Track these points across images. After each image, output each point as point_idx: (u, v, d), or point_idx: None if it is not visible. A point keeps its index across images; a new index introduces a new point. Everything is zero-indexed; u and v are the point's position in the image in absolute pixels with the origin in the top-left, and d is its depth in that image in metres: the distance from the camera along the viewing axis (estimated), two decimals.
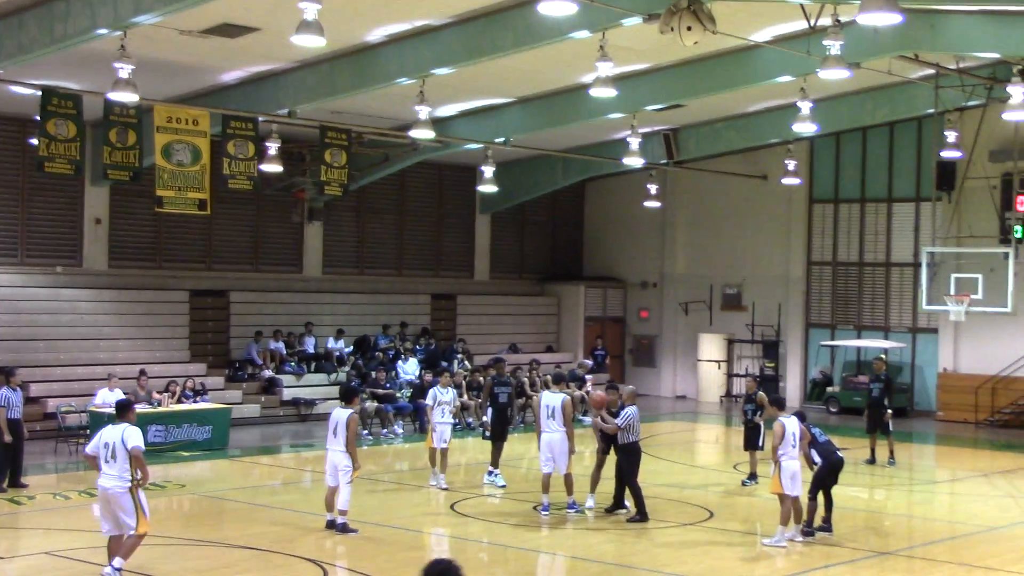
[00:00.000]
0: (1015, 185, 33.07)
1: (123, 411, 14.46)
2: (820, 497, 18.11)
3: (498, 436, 22.02)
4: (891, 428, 25.88)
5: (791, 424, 17.41)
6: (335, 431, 17.36)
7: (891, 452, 25.83)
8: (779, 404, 18.57)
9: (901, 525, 20.38)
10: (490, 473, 21.92)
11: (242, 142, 27.33)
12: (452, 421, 22.10)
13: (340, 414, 17.42)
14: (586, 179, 40.75)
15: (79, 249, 30.77)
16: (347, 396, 17.92)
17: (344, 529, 17.06)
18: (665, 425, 33.35)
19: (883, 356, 29.36)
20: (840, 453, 18.43)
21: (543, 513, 19.04)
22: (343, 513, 17.12)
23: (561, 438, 19.23)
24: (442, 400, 21.56)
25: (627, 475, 19.36)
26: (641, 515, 19.04)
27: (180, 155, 26.28)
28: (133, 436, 13.94)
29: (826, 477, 18.04)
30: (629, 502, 19.41)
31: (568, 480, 19.35)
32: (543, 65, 25.84)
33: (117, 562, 13.86)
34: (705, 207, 40.26)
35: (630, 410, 19.27)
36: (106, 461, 13.88)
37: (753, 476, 22.73)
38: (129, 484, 13.81)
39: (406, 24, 23.11)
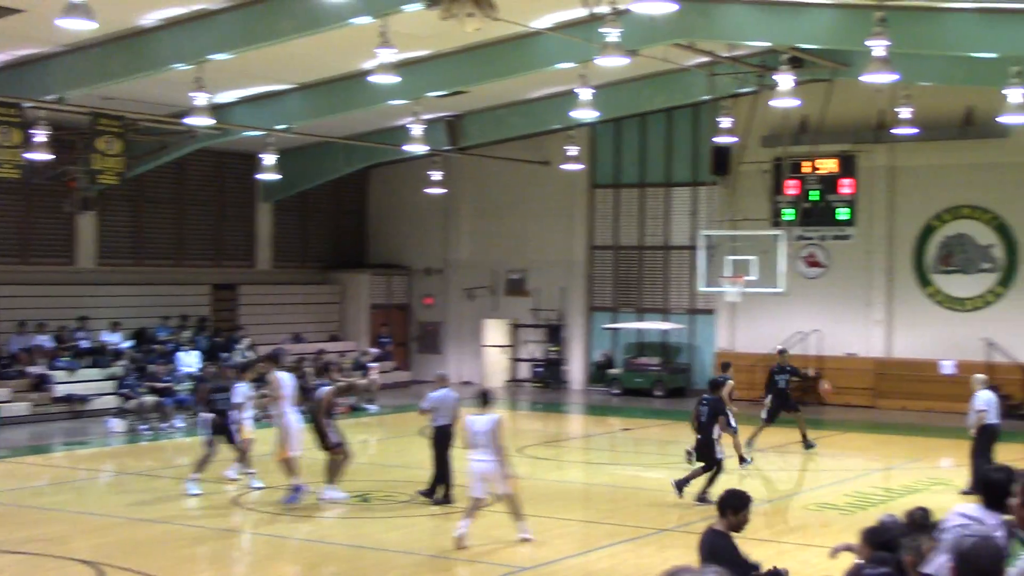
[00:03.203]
0: (785, 170, 34.24)
1: None
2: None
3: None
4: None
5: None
6: None
7: (804, 436, 25.75)
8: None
9: (683, 502, 20.92)
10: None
11: (6, 129, 26.46)
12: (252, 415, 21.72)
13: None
14: (369, 166, 40.62)
15: None
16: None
17: None
18: None
19: (785, 349, 28.47)
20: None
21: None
22: None
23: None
24: (251, 395, 21.27)
25: (436, 457, 19.60)
26: (442, 495, 19.51)
27: None
28: None
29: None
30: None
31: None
32: (324, 51, 25.68)
33: None
34: (489, 193, 40.53)
35: (437, 393, 19.62)
36: None
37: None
38: None
39: (182, 8, 22.68)
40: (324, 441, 19.71)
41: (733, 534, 10.14)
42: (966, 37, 22.96)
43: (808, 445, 25.42)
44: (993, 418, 20.76)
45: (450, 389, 20.14)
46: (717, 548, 10.02)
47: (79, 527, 17.24)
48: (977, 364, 32.99)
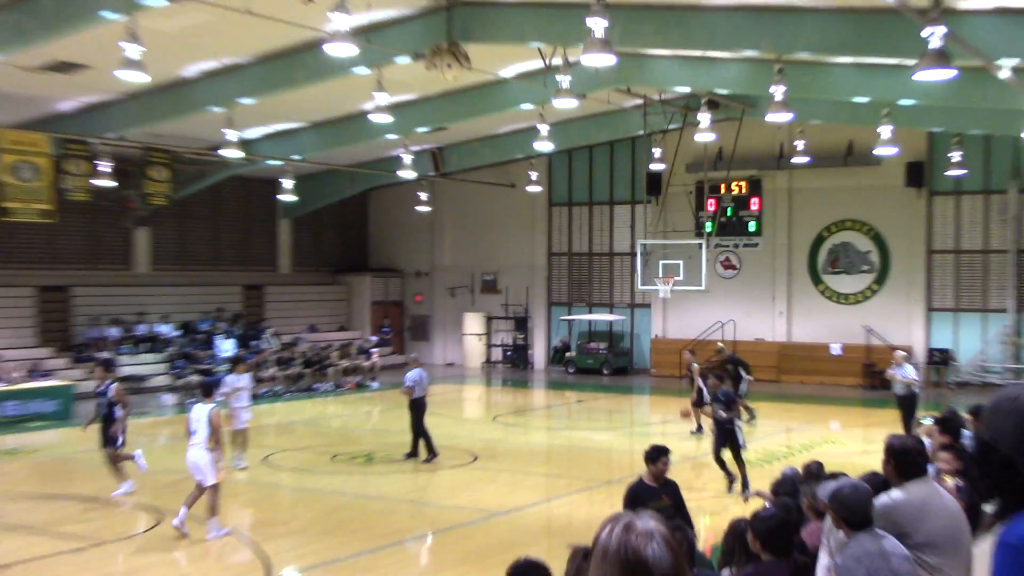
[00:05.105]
0: (705, 191, 34.34)
1: None
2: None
3: None
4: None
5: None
6: None
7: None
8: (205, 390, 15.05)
9: (623, 459, 21.00)
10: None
11: (78, 161, 26.38)
12: (248, 404, 19.28)
13: None
14: (369, 188, 40.59)
15: None
16: None
17: None
18: (437, 387, 33.50)
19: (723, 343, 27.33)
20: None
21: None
22: None
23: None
24: (237, 387, 19.08)
25: (413, 424, 19.61)
26: (431, 453, 19.47)
27: (25, 172, 25.16)
28: None
29: None
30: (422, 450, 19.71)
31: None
32: (331, 95, 25.65)
33: None
34: (466, 210, 40.55)
35: (413, 372, 19.65)
36: None
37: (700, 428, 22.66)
38: None
39: (216, 62, 22.64)
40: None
41: (654, 483, 10.08)
42: (847, 85, 23.13)
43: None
44: (917, 388, 20.95)
45: (422, 368, 20.19)
46: (629, 489, 10.07)
47: (143, 479, 17.19)
48: (858, 347, 33.30)
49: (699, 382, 21.85)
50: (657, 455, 10.10)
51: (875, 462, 18.73)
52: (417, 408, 19.70)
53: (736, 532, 6.88)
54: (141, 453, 16.94)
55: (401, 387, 20.20)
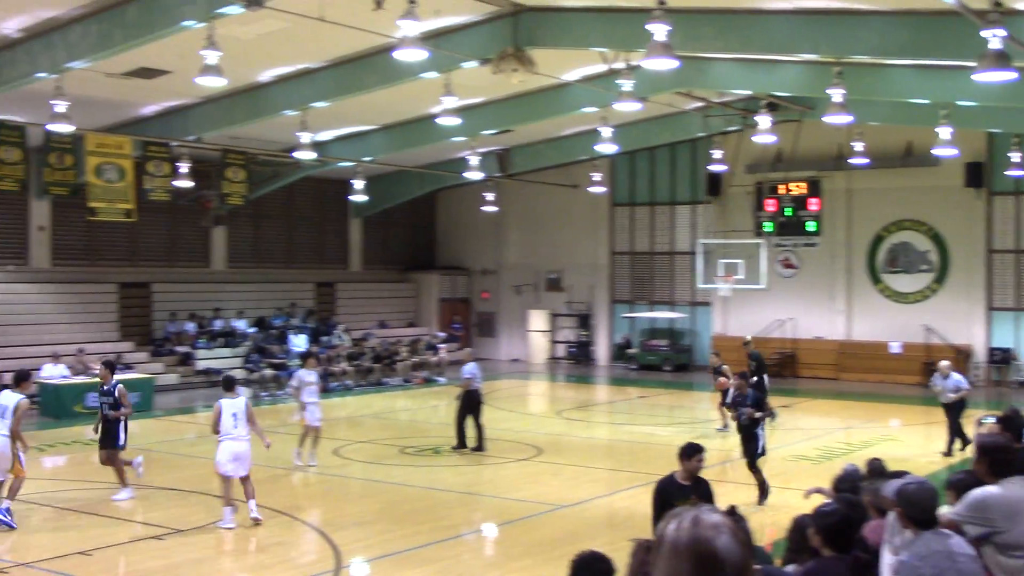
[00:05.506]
0: (764, 191, 33.96)
1: (20, 381, 14.20)
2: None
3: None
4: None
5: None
6: (2, 414, 13.88)
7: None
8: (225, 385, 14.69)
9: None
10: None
11: (159, 163, 26.74)
12: (316, 399, 18.58)
13: (9, 398, 13.99)
14: (438, 189, 40.67)
15: (26, 251, 29.70)
16: (18, 380, 14.36)
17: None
18: (503, 382, 33.56)
19: (749, 341, 26.22)
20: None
21: None
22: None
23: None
24: (307, 381, 18.57)
25: (458, 414, 19.67)
26: (459, 443, 19.68)
27: (109, 174, 25.57)
28: (14, 399, 13.86)
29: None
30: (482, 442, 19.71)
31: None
32: (401, 99, 25.72)
33: (5, 503, 13.77)
34: (531, 210, 40.48)
35: (471, 365, 19.74)
36: None
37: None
38: (6, 436, 13.68)
39: (290, 67, 22.80)
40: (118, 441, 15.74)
41: (686, 480, 9.60)
42: (905, 87, 22.74)
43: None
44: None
45: (476, 363, 20.28)
46: (659, 485, 9.66)
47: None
48: (917, 345, 32.74)
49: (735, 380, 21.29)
50: (692, 452, 9.65)
51: (936, 460, 18.31)
52: (471, 400, 19.72)
53: (800, 528, 6.74)
54: (141, 460, 16.51)
55: (458, 379, 20.24)
